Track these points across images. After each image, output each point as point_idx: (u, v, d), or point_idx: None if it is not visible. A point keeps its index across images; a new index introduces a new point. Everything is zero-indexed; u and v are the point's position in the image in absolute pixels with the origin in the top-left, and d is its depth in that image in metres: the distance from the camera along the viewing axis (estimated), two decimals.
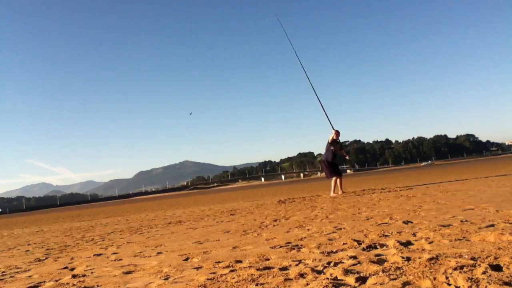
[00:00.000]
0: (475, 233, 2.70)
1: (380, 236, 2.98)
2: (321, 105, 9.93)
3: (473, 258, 2.02)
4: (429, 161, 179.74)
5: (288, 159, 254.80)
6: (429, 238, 2.72)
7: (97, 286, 2.36)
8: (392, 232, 3.12)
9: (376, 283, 1.80)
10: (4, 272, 3.22)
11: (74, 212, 25.46)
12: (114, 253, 3.66)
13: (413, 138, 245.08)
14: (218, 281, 2.11)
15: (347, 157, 9.91)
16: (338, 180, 9.28)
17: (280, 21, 11.58)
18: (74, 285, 2.43)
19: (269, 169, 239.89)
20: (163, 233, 4.97)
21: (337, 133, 9.32)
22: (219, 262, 2.64)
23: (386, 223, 3.69)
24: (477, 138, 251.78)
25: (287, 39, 10.97)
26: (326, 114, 9.74)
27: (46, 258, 3.82)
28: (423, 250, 2.39)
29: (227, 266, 2.47)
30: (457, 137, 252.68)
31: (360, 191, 9.51)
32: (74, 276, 2.71)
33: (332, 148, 9.31)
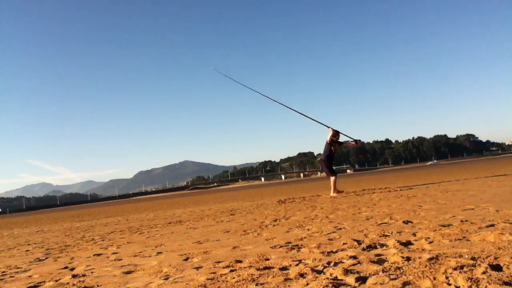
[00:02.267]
0: (475, 233, 2.70)
1: (380, 236, 2.98)
2: (305, 115, 9.85)
3: (473, 258, 2.02)
4: (435, 160, 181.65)
5: (288, 159, 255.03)
6: (429, 238, 2.72)
7: (97, 286, 2.36)
8: (392, 232, 3.12)
9: (376, 283, 1.80)
10: (4, 272, 3.22)
11: (74, 212, 25.46)
12: (114, 253, 3.66)
13: (413, 138, 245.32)
14: (218, 281, 2.10)
15: (359, 143, 9.69)
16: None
17: (221, 72, 11.48)
18: (74, 285, 2.43)
19: (269, 169, 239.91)
20: (163, 233, 4.97)
21: (337, 133, 9.31)
22: (219, 262, 2.64)
23: (386, 223, 3.69)
24: (477, 138, 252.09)
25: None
26: (314, 120, 9.69)
27: (46, 258, 3.82)
28: (423, 250, 2.39)
29: (227, 266, 2.47)
30: (457, 137, 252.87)
31: (360, 191, 9.51)
32: (74, 276, 2.71)
33: (332, 147, 9.31)
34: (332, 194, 8.95)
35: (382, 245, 2.64)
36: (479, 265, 1.87)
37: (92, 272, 2.80)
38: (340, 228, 3.66)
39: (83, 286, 2.39)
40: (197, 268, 2.52)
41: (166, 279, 2.33)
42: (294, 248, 2.85)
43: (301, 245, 2.97)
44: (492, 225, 2.95)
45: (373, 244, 2.68)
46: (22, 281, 2.73)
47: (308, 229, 3.82)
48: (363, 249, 2.57)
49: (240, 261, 2.59)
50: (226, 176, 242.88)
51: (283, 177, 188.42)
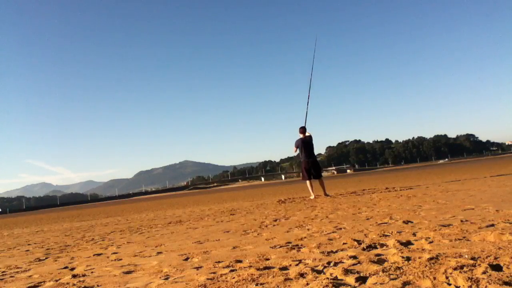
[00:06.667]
0: (475, 233, 2.70)
1: (380, 236, 2.98)
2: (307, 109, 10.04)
3: (473, 258, 2.02)
4: (446, 159, 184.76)
5: (288, 159, 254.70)
6: (429, 238, 2.72)
7: (97, 286, 2.36)
8: (392, 232, 3.12)
9: (376, 283, 1.80)
10: (4, 272, 3.22)
11: (74, 212, 25.46)
12: (114, 253, 3.66)
13: (413, 138, 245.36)
14: (218, 281, 2.10)
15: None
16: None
17: (316, 44, 11.13)
18: (74, 285, 2.43)
19: (269, 169, 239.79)
20: (163, 233, 4.97)
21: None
22: (219, 262, 2.64)
23: (386, 223, 3.69)
24: (477, 138, 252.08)
25: (312, 56, 10.78)
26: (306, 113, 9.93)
27: (46, 258, 3.82)
28: (423, 250, 2.38)
29: (227, 266, 2.47)
30: (457, 137, 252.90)
31: (360, 191, 9.51)
32: (74, 276, 2.71)
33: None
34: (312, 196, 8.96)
35: (382, 245, 2.63)
36: (479, 265, 1.87)
37: (92, 272, 2.79)
38: (340, 228, 3.66)
39: (83, 286, 2.39)
40: (197, 268, 2.52)
41: (166, 279, 2.32)
42: (294, 248, 2.85)
43: (301, 245, 2.97)
44: (492, 225, 2.95)
45: (373, 244, 2.68)
46: (22, 281, 2.73)
47: (308, 229, 3.82)
48: (363, 249, 2.57)
49: (240, 261, 2.59)
50: (226, 176, 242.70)
51: (283, 177, 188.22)
